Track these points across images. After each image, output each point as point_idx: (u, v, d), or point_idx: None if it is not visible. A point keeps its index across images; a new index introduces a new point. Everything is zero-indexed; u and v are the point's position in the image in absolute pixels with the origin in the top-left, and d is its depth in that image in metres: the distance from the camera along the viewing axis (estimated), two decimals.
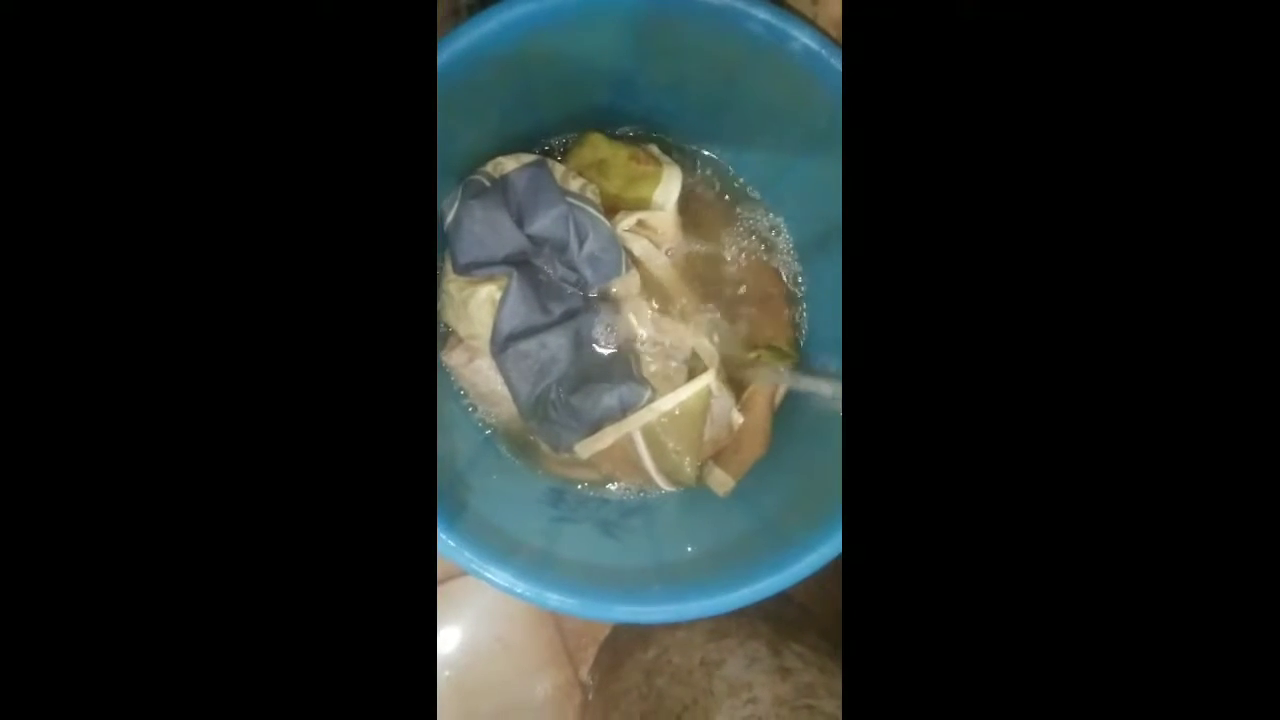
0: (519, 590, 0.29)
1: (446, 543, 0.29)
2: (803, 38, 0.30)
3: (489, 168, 0.35)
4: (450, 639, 0.44)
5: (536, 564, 0.31)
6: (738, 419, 0.37)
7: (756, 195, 0.40)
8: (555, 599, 0.29)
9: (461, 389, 0.38)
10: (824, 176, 0.34)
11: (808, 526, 0.31)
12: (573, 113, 0.37)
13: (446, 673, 0.43)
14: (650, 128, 0.38)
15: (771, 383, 0.38)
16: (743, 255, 0.40)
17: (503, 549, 0.30)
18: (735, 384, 0.39)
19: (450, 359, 0.38)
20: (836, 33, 0.31)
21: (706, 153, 0.40)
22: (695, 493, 0.38)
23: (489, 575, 0.30)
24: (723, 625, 0.35)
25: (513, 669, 0.44)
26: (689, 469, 0.37)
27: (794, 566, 0.30)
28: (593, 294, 0.38)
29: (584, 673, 0.44)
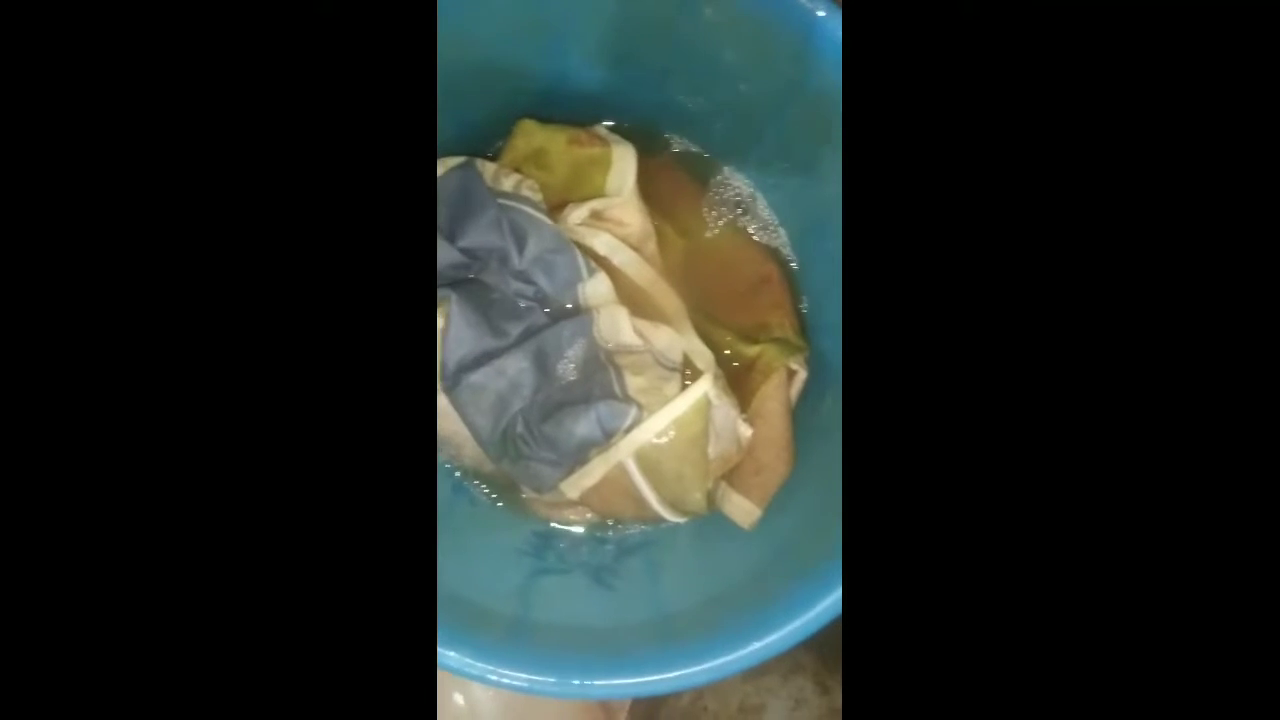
0: (471, 671, 0.24)
1: None
2: None
3: None
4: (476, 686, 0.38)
5: (505, 636, 0.25)
6: (745, 432, 0.31)
7: (729, 167, 0.34)
8: (523, 678, 0.24)
9: None
10: (804, 133, 0.28)
11: (836, 550, 0.25)
12: (502, 107, 0.32)
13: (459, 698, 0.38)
14: (595, 110, 0.33)
15: (781, 382, 0.32)
16: (724, 235, 0.34)
17: (465, 623, 0.25)
18: (740, 388, 0.32)
19: None
20: None
21: (662, 128, 0.34)
22: (707, 522, 0.32)
23: (446, 656, 0.24)
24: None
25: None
26: (698, 495, 0.31)
27: (824, 601, 0.24)
28: (559, 305, 0.32)
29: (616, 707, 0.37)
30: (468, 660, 0.24)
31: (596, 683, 0.24)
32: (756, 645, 0.24)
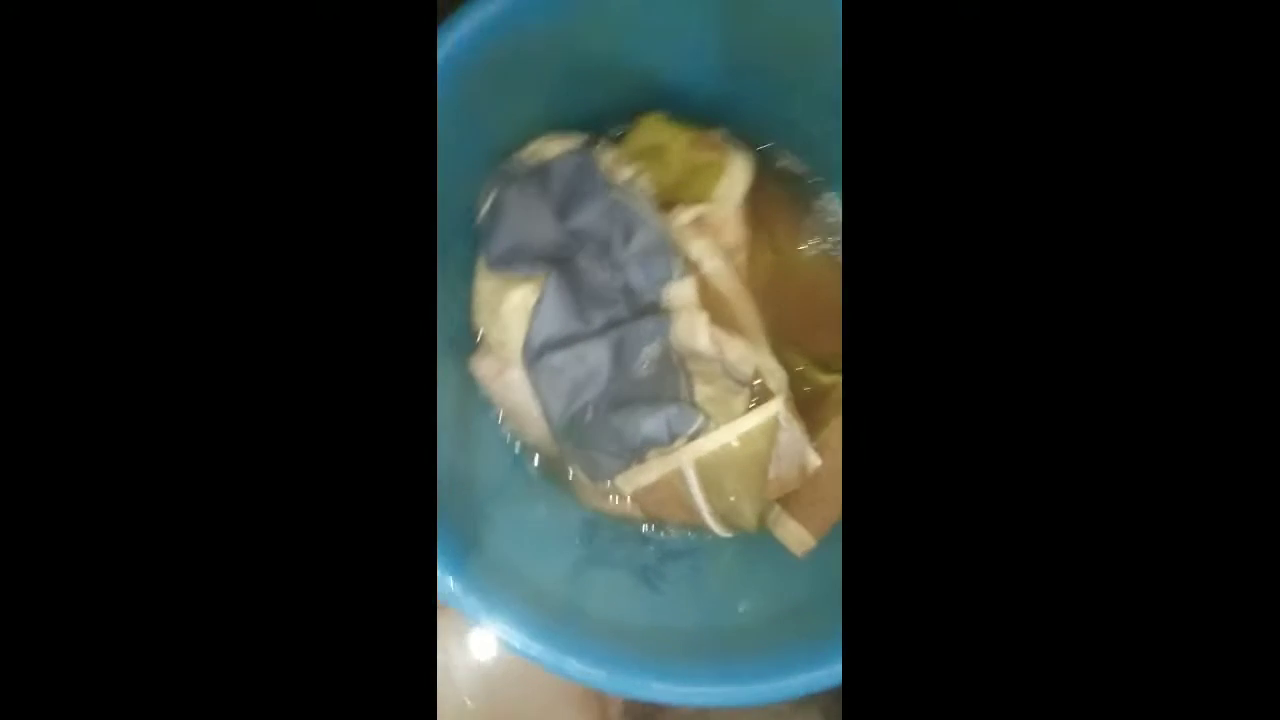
0: (533, 653, 0.24)
1: (450, 588, 0.24)
2: None
3: (528, 153, 0.31)
4: (472, 660, 0.39)
5: (558, 619, 0.25)
6: (814, 461, 0.31)
7: (834, 193, 0.34)
8: (577, 667, 0.24)
9: (491, 402, 0.34)
10: None
11: None
12: (631, 95, 0.32)
13: (468, 702, 0.39)
14: (719, 114, 0.33)
15: None
16: (816, 259, 0.34)
17: (519, 598, 0.25)
18: (808, 415, 0.33)
19: (479, 369, 0.33)
20: None
21: (779, 143, 0.34)
22: (753, 540, 0.32)
23: (501, 631, 0.25)
24: None
25: (536, 704, 0.38)
26: (750, 513, 0.31)
27: None
28: (642, 301, 0.32)
29: (613, 711, 0.38)
30: (525, 638, 0.24)
31: (651, 684, 0.24)
32: (805, 677, 0.24)
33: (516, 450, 0.34)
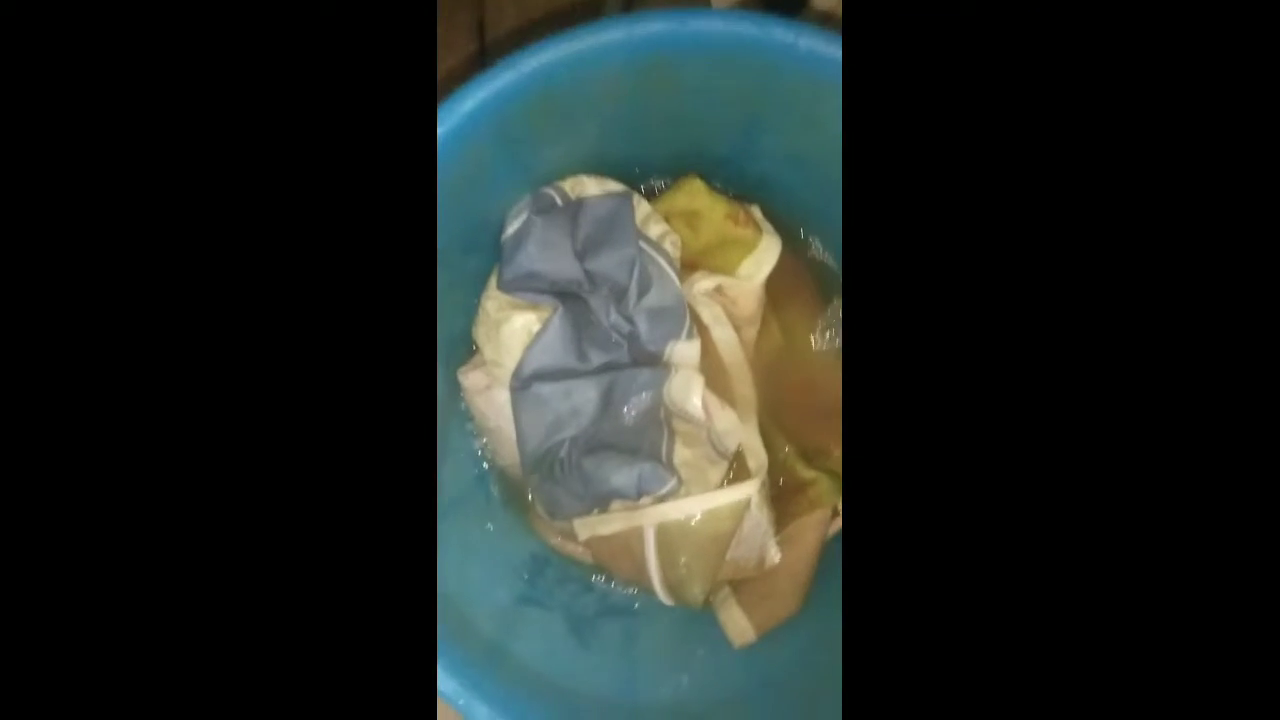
0: (444, 688, 0.23)
1: None
2: None
3: (567, 185, 0.31)
4: None
5: (481, 657, 0.25)
6: (773, 555, 0.31)
7: None
8: (485, 712, 0.24)
9: (470, 414, 0.34)
10: None
11: (820, 712, 0.24)
12: (681, 155, 0.32)
13: None
14: (759, 190, 0.33)
15: (824, 519, 0.32)
16: (824, 354, 0.34)
17: (445, 628, 0.25)
18: (780, 506, 0.32)
19: (466, 379, 0.33)
20: None
21: (812, 232, 0.34)
22: (694, 617, 0.31)
23: None
24: None
25: None
26: (698, 590, 0.30)
27: None
28: (643, 352, 0.32)
29: None
30: (443, 675, 0.24)
31: None
32: None
33: (484, 467, 0.33)
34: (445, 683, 0.24)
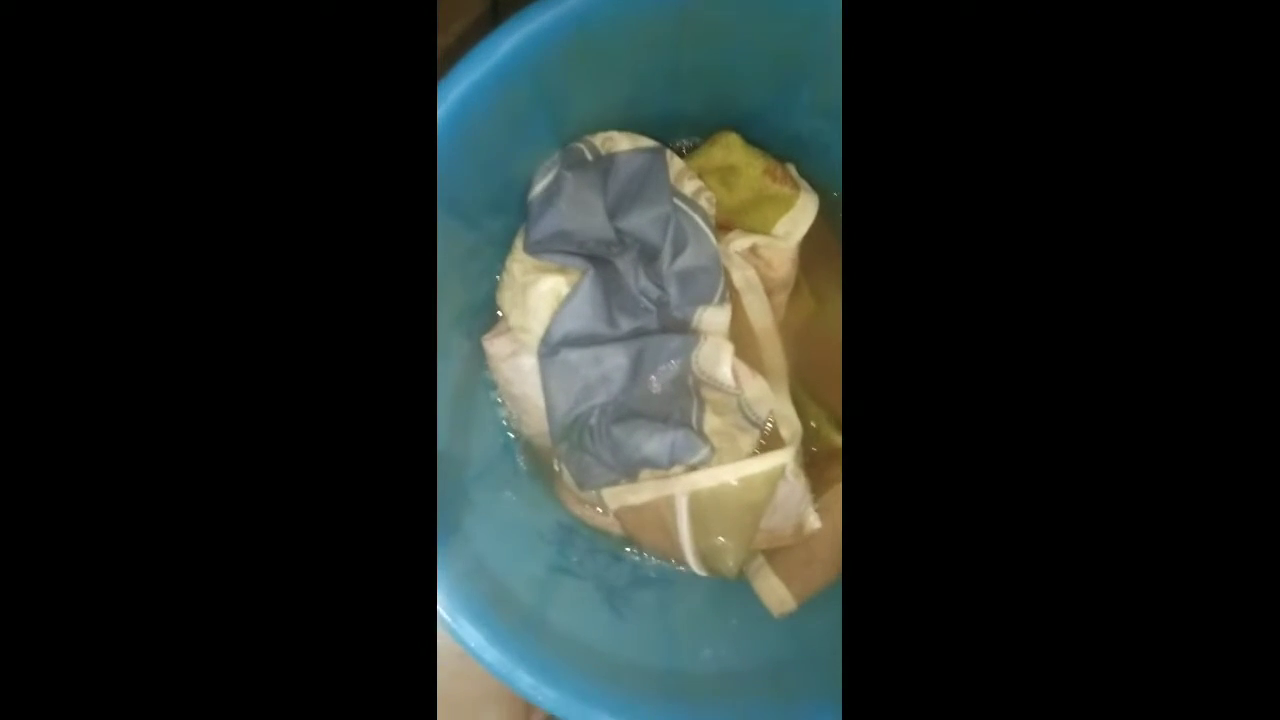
0: (487, 658, 0.23)
1: None
2: None
3: (598, 140, 0.30)
4: None
5: (520, 626, 0.24)
6: (813, 522, 0.30)
7: None
8: (528, 681, 0.23)
9: (494, 382, 0.33)
10: None
11: None
12: (719, 110, 0.31)
13: None
14: (795, 149, 0.32)
15: None
16: None
17: (485, 595, 0.24)
18: (815, 474, 0.31)
19: (491, 346, 0.32)
20: None
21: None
22: (728, 587, 0.31)
23: (461, 628, 0.23)
24: None
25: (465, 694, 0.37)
26: (732, 560, 0.30)
27: None
28: (673, 318, 0.31)
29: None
30: (485, 644, 0.23)
31: (600, 716, 0.23)
32: None
33: (510, 436, 0.32)
34: (489, 652, 0.23)
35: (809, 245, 0.32)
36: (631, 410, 0.31)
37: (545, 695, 0.23)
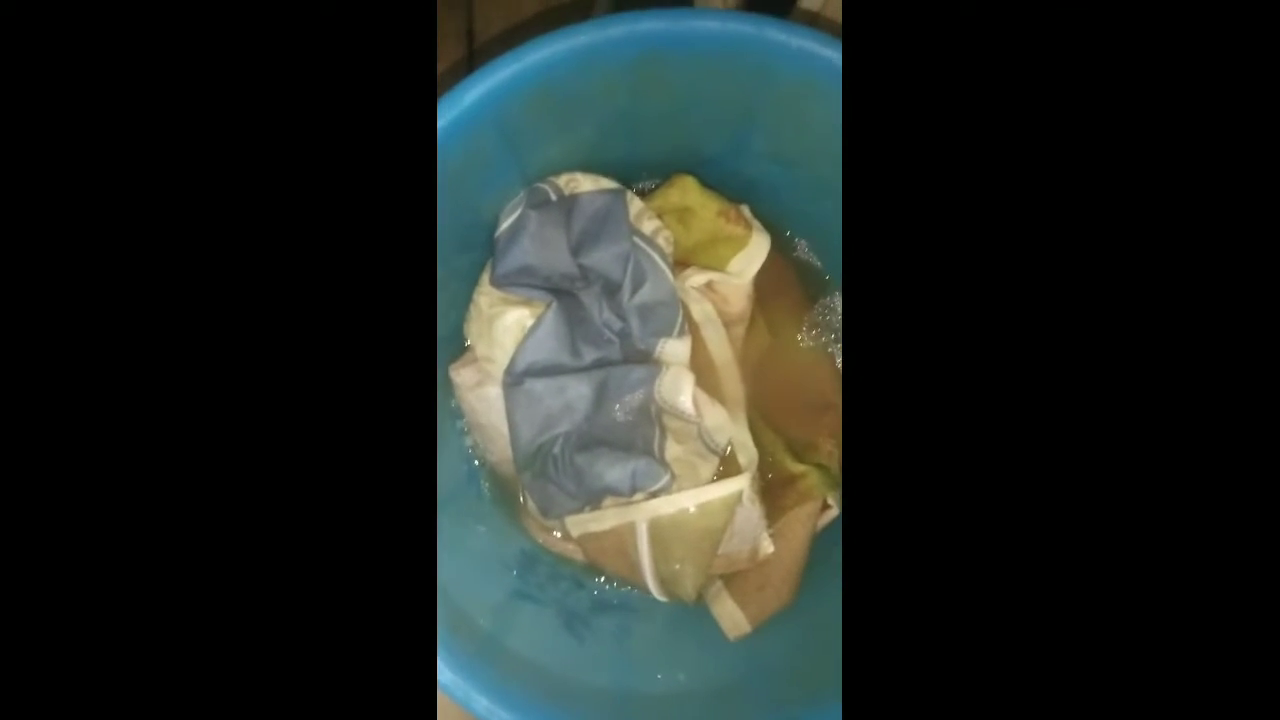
0: (444, 680, 0.23)
1: None
2: None
3: (562, 181, 0.31)
4: None
5: (478, 651, 0.25)
6: (767, 547, 0.31)
7: (840, 294, 0.35)
8: (484, 704, 0.23)
9: (461, 411, 0.33)
10: None
11: (809, 698, 0.25)
12: (673, 155, 0.33)
13: None
14: (748, 191, 0.34)
15: (814, 512, 0.32)
16: (810, 351, 0.35)
17: (443, 620, 0.25)
18: (770, 500, 0.33)
19: (458, 376, 0.33)
20: None
21: (799, 234, 0.35)
22: (686, 611, 0.32)
23: None
24: None
25: None
26: (690, 585, 0.31)
27: None
28: (635, 349, 0.33)
29: None
30: (441, 668, 0.23)
31: None
32: None
33: (475, 464, 0.33)
34: (444, 675, 0.23)
35: (762, 282, 0.34)
36: (594, 439, 0.32)
37: (501, 719, 0.23)
